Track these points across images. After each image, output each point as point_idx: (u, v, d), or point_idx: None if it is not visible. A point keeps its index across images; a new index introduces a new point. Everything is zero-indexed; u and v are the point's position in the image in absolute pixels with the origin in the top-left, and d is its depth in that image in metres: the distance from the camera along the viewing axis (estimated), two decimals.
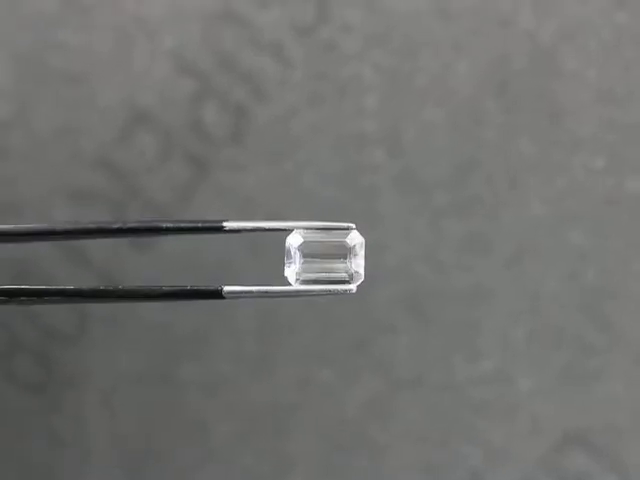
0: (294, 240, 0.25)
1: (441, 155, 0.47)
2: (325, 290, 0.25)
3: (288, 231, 0.25)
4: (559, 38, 0.46)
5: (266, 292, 0.25)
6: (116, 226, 0.26)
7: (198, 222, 0.26)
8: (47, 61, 0.46)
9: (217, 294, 0.25)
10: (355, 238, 0.25)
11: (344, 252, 0.25)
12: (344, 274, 0.25)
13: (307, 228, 0.25)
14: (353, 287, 0.25)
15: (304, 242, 0.25)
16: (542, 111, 0.47)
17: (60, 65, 0.46)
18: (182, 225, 0.26)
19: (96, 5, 0.46)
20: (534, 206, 0.47)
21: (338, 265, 0.25)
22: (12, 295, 0.25)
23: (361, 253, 0.25)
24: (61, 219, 0.46)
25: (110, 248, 0.47)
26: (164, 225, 0.26)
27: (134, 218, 0.46)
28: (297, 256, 0.25)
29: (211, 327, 0.48)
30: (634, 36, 0.46)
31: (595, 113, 0.47)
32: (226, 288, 0.25)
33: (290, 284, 0.25)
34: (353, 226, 0.25)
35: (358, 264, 0.25)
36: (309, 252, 0.25)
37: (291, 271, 0.25)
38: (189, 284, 0.26)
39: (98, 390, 0.48)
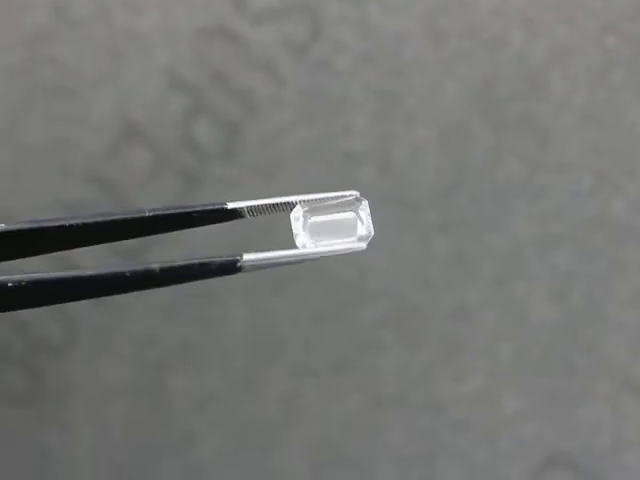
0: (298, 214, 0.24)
1: (429, 174, 0.47)
2: (336, 250, 0.24)
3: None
4: (548, 61, 0.47)
5: (282, 257, 0.24)
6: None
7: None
8: (38, 75, 0.46)
9: (234, 267, 0.24)
10: (361, 205, 0.25)
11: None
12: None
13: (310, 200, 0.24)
14: (364, 245, 0.24)
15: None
16: (529, 133, 0.47)
17: (51, 79, 0.46)
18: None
19: (88, 20, 0.46)
20: (520, 227, 0.47)
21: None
22: None
23: (367, 211, 0.25)
24: None
25: (96, 258, 0.47)
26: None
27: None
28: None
29: (200, 341, 0.48)
30: (622, 60, 0.47)
31: (582, 136, 0.47)
32: (245, 257, 0.24)
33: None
34: (356, 193, 0.25)
35: (368, 225, 0.25)
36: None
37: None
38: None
39: (86, 402, 0.48)
